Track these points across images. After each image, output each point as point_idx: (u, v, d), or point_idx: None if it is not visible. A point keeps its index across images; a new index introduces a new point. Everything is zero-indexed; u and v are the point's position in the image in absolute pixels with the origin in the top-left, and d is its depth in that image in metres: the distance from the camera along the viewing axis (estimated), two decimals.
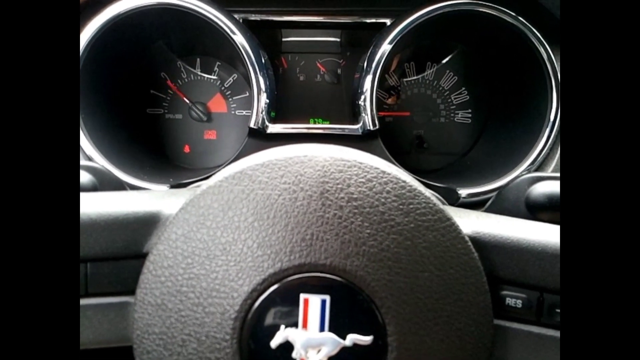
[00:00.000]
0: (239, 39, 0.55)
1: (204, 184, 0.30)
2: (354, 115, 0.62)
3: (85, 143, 0.55)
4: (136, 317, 0.29)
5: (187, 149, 0.75)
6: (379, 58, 0.56)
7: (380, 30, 0.61)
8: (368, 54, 0.58)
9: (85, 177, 0.43)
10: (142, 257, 0.31)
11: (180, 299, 0.28)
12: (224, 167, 0.61)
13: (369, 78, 0.56)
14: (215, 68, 0.73)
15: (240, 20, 0.62)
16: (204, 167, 0.74)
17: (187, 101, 0.73)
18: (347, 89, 0.73)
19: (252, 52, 0.55)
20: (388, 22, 0.63)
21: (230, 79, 0.74)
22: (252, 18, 0.63)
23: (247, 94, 0.74)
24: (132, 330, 0.30)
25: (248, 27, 0.60)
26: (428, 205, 0.29)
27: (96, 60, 0.57)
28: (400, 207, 0.29)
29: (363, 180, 0.29)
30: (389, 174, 0.30)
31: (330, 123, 0.73)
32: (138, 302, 0.29)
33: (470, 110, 0.73)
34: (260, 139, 0.58)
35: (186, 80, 0.73)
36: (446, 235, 0.29)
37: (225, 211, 0.29)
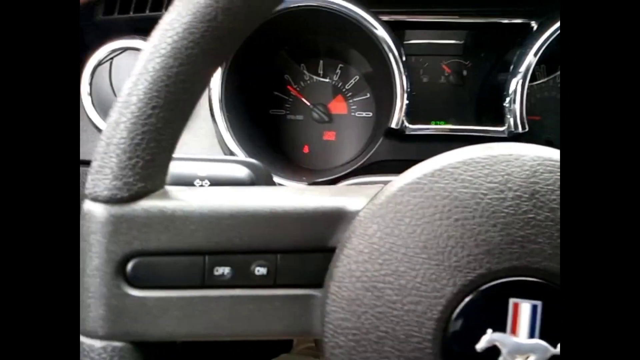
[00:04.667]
0: (386, 38, 0.55)
1: (398, 181, 0.30)
2: (493, 118, 0.60)
3: (228, 139, 0.57)
4: (328, 311, 0.29)
5: (306, 149, 0.76)
6: (530, 58, 0.54)
7: (529, 32, 0.59)
8: (517, 54, 0.56)
9: (243, 172, 0.44)
10: (327, 251, 0.31)
11: (376, 295, 0.28)
12: (349, 167, 0.62)
13: (517, 79, 0.54)
14: (337, 70, 0.74)
15: None
16: (323, 168, 0.75)
17: (308, 104, 0.74)
18: (472, 91, 0.71)
19: (397, 52, 0.55)
20: (533, 24, 0.60)
21: (352, 80, 0.74)
22: (385, 19, 0.63)
23: (368, 96, 0.74)
24: (321, 324, 0.30)
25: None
26: None
27: (240, 60, 0.59)
28: None
29: None
30: None
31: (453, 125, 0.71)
32: (331, 295, 0.29)
33: None
34: (396, 139, 0.58)
35: (308, 82, 0.75)
36: None
37: (425, 208, 0.28)
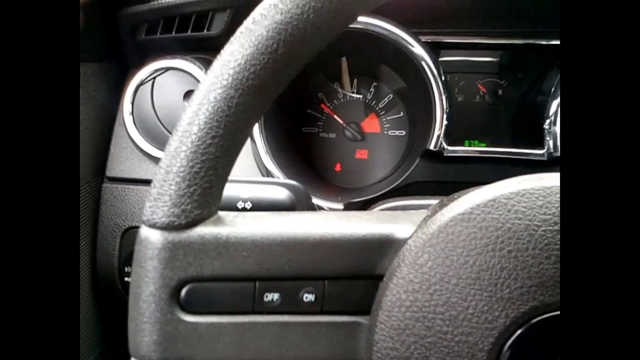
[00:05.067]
0: (426, 58, 0.56)
1: (448, 211, 0.29)
2: (531, 139, 0.59)
3: (267, 160, 0.58)
4: (376, 339, 0.29)
5: (338, 168, 0.76)
6: None
7: None
8: (559, 76, 0.56)
9: (284, 194, 0.45)
10: (374, 278, 0.31)
11: (426, 325, 0.28)
12: (384, 187, 0.62)
13: (558, 101, 0.54)
14: (371, 88, 0.75)
15: None
16: (355, 187, 0.75)
17: (341, 122, 0.74)
18: (508, 111, 0.71)
19: (437, 72, 0.55)
20: None
21: (386, 99, 0.74)
22: (423, 39, 0.63)
23: (401, 114, 0.74)
24: (368, 351, 0.30)
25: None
26: None
27: None
28: None
29: None
30: None
31: (487, 146, 0.71)
32: (379, 324, 0.29)
33: None
34: (433, 160, 0.58)
35: (342, 100, 0.75)
36: None
37: (478, 239, 0.28)
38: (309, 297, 0.31)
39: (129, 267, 0.62)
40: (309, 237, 0.31)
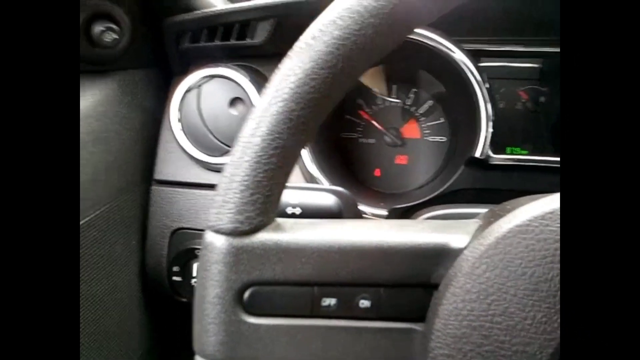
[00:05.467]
0: (469, 66, 0.56)
1: (506, 223, 0.30)
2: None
3: (312, 167, 0.59)
4: (432, 347, 0.30)
5: (377, 173, 0.77)
6: None
7: None
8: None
9: (332, 200, 0.46)
10: (429, 286, 0.32)
11: (483, 334, 0.29)
12: (427, 194, 0.62)
13: None
14: (411, 94, 0.75)
15: None
16: (395, 192, 0.75)
17: (381, 128, 0.75)
18: (549, 119, 0.70)
19: (481, 80, 0.56)
20: None
21: (425, 104, 0.74)
22: (466, 47, 0.64)
23: (442, 120, 0.74)
24: (422, 358, 0.30)
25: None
26: None
27: None
28: None
29: None
30: None
31: (529, 154, 0.70)
32: (435, 332, 0.30)
33: None
34: (477, 168, 0.58)
35: (381, 106, 0.76)
36: None
37: (536, 251, 0.28)
38: (364, 303, 0.32)
39: (176, 267, 0.64)
40: (365, 245, 0.31)
